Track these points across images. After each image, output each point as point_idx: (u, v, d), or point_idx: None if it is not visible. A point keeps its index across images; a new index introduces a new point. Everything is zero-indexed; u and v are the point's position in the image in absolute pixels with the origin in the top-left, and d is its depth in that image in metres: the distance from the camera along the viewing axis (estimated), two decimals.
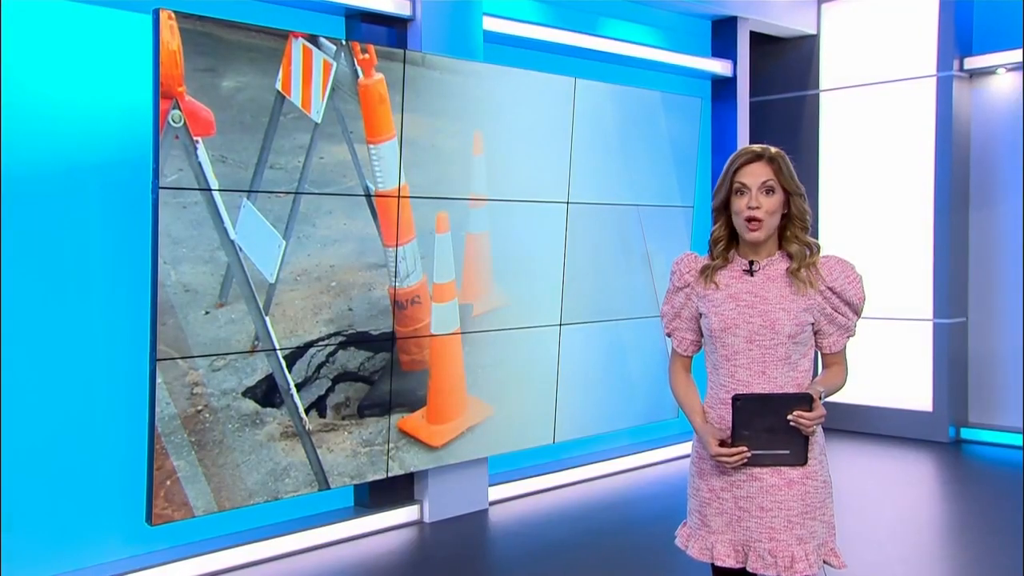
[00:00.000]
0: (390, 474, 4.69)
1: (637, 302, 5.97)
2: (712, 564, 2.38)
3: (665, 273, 5.99)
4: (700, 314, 2.40)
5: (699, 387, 2.46)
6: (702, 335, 2.43)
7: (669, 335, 2.51)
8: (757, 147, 2.33)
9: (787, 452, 2.25)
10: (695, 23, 6.87)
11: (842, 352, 2.39)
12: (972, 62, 6.83)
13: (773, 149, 2.33)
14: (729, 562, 2.33)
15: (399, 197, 4.56)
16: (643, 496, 5.64)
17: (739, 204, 2.30)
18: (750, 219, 2.28)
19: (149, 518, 3.86)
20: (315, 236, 4.27)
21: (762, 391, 2.28)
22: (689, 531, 2.44)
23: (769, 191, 2.29)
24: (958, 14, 6.81)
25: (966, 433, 6.89)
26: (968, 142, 6.93)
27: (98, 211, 4.12)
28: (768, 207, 2.28)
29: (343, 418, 4.46)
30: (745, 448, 2.25)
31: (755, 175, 2.29)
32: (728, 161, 2.35)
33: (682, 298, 2.45)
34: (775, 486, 2.29)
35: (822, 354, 2.41)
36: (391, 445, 4.65)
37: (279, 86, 4.10)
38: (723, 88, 6.90)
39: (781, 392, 2.27)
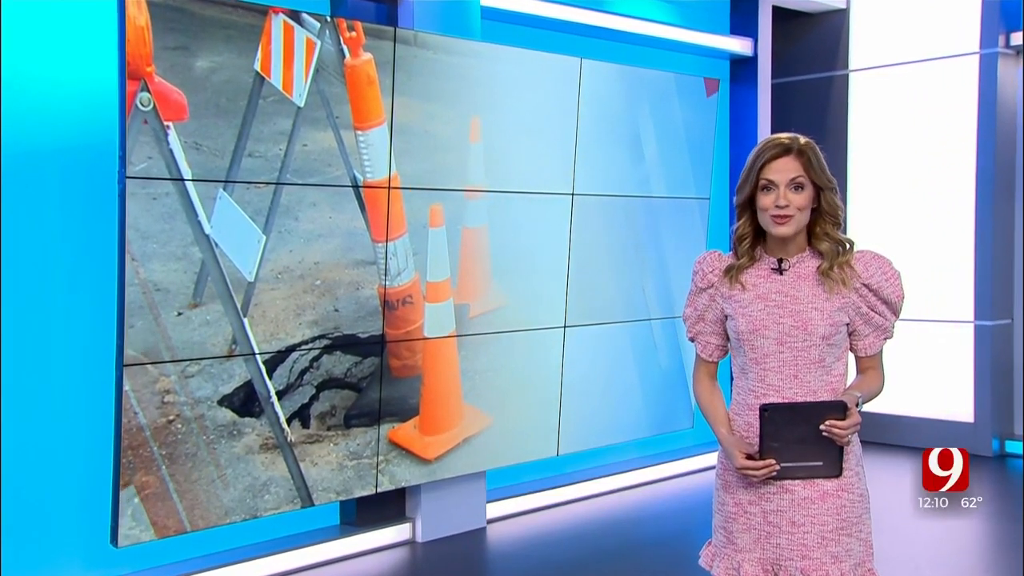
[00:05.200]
0: (379, 489, 4.69)
1: (648, 302, 5.98)
2: None
3: (678, 270, 6.00)
4: (726, 316, 2.42)
5: (725, 391, 2.47)
6: (728, 339, 2.44)
7: (692, 340, 2.52)
8: (785, 138, 2.33)
9: (820, 463, 2.28)
10: None
11: (879, 355, 2.41)
12: (1019, 37, 6.81)
13: (802, 139, 2.34)
14: None
15: (389, 188, 4.56)
16: (655, 514, 5.65)
17: (765, 201, 2.31)
18: (777, 215, 2.29)
19: (114, 539, 3.86)
20: (298, 230, 4.28)
21: (794, 396, 2.31)
22: (714, 550, 2.46)
23: (798, 187, 2.30)
24: None
25: (1011, 446, 6.90)
26: (1014, 126, 6.93)
27: (58, 202, 4.12)
28: (797, 204, 2.30)
29: (328, 428, 4.47)
30: (773, 461, 2.26)
31: (783, 171, 2.30)
32: (753, 154, 2.34)
33: (706, 300, 2.46)
34: (808, 499, 2.30)
35: (857, 357, 2.42)
36: (380, 458, 4.66)
37: (258, 67, 4.10)
38: (743, 69, 6.91)
39: (812, 400, 2.28)
